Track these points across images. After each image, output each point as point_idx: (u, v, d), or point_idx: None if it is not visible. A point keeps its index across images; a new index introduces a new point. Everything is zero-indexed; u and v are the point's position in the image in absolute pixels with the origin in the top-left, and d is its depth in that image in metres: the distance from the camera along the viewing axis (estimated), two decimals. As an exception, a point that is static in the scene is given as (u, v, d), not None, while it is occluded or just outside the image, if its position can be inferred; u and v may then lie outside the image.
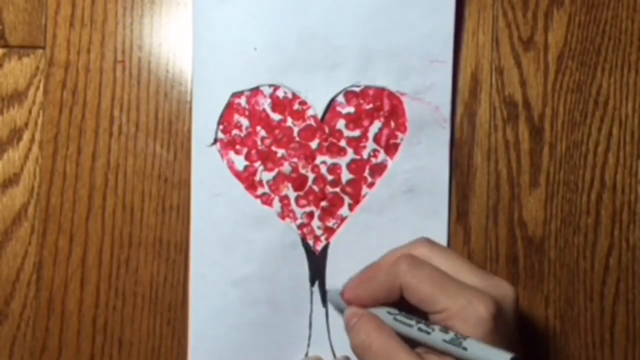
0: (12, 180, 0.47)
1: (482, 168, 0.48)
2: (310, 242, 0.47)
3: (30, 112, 0.47)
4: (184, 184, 0.47)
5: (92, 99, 0.47)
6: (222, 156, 0.47)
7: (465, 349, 0.36)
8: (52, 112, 0.47)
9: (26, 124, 0.47)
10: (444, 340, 0.37)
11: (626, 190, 0.48)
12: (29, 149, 0.47)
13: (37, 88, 0.47)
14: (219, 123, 0.47)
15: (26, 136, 0.47)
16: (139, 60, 0.48)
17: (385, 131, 0.47)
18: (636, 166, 0.48)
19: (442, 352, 0.38)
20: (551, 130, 0.48)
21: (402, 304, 0.40)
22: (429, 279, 0.39)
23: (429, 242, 0.42)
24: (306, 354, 0.47)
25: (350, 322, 0.42)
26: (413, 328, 0.39)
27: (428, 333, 0.38)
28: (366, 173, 0.47)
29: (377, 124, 0.47)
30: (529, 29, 0.48)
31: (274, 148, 0.47)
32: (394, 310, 0.41)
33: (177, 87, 0.48)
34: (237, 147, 0.47)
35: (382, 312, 0.41)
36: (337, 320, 0.47)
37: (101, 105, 0.47)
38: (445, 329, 0.37)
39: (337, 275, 0.47)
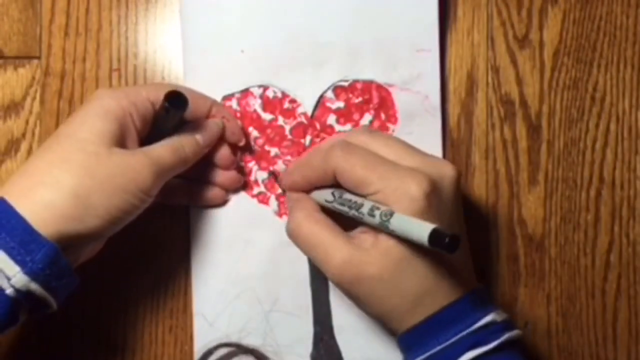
0: (10, 191, 0.47)
1: (480, 167, 0.48)
2: None
3: (27, 122, 0.47)
4: (183, 191, 0.47)
5: (89, 107, 0.47)
6: None
7: (392, 230, 0.36)
8: (49, 122, 0.47)
9: (23, 135, 0.47)
10: (375, 224, 0.37)
11: (625, 186, 0.48)
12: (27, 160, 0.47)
13: (34, 98, 0.47)
14: None
15: (24, 147, 0.47)
16: (134, 68, 0.48)
17: (376, 123, 0.47)
18: (634, 162, 0.48)
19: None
20: (548, 127, 0.48)
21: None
22: (362, 163, 0.39)
23: (369, 130, 0.43)
24: (311, 353, 0.47)
25: (288, 207, 0.44)
26: (349, 212, 0.39)
27: (361, 218, 0.38)
28: None
29: (367, 117, 0.47)
30: (524, 27, 0.48)
31: (267, 147, 0.47)
32: (338, 192, 0.41)
33: (174, 93, 0.48)
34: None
35: (327, 194, 0.41)
36: (341, 317, 0.47)
37: (98, 114, 0.47)
38: (372, 211, 0.37)
39: None
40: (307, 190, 0.43)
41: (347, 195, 0.40)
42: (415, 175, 0.38)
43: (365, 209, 0.38)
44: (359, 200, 0.39)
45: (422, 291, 0.38)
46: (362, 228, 0.40)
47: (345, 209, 0.39)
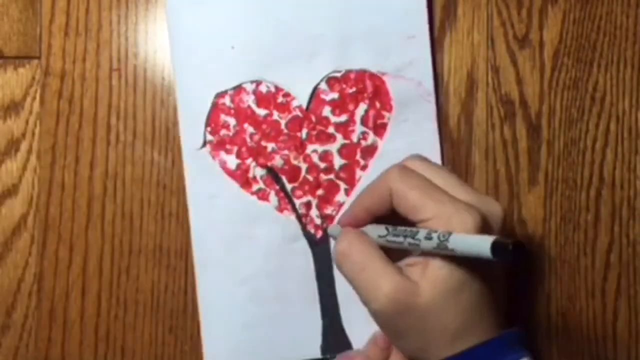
0: (10, 191, 0.47)
1: (481, 167, 0.48)
2: (312, 231, 0.47)
3: (27, 122, 0.47)
4: (183, 191, 0.47)
5: (89, 107, 0.47)
6: (213, 157, 0.47)
7: (452, 249, 0.36)
8: (49, 122, 0.47)
9: (23, 135, 0.47)
10: (433, 247, 0.37)
11: (625, 186, 0.48)
12: (27, 160, 0.47)
13: (34, 98, 0.47)
14: (206, 125, 0.47)
15: (24, 147, 0.47)
16: (134, 68, 0.48)
17: (372, 112, 0.47)
18: (634, 162, 0.48)
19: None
20: (548, 127, 0.48)
21: (393, 220, 0.40)
22: (419, 187, 0.39)
23: (423, 158, 0.42)
24: (321, 345, 0.47)
25: (338, 237, 0.42)
26: (404, 242, 0.39)
27: (417, 244, 0.38)
28: (358, 156, 0.48)
29: (362, 107, 0.47)
30: (524, 26, 0.48)
31: (263, 143, 0.47)
32: (390, 227, 0.40)
33: (174, 94, 0.48)
34: (227, 146, 0.47)
35: (380, 228, 0.41)
36: (349, 308, 0.47)
37: (98, 113, 0.48)
38: (429, 234, 0.37)
39: None
40: (365, 223, 0.42)
41: (401, 227, 0.40)
42: (469, 209, 0.38)
43: (421, 234, 0.38)
44: (413, 228, 0.39)
45: (463, 326, 0.38)
46: (408, 260, 0.40)
47: (400, 239, 0.39)
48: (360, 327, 0.47)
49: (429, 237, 0.37)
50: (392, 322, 0.39)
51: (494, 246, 0.34)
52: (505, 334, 0.39)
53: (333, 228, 0.45)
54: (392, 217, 0.41)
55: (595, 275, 0.48)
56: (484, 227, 0.37)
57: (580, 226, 0.48)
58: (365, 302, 0.39)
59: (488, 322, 0.39)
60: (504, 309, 0.41)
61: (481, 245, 0.34)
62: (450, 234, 0.36)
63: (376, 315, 0.39)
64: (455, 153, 0.48)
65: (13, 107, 0.47)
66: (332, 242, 0.47)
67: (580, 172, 0.48)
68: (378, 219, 0.42)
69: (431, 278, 0.38)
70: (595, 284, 0.48)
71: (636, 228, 0.48)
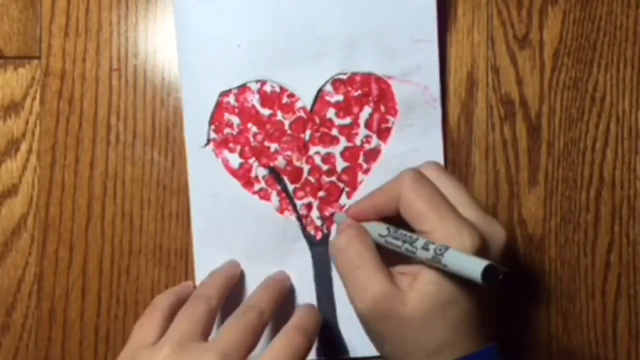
0: (10, 191, 0.47)
1: (481, 167, 0.48)
2: (312, 233, 0.47)
3: (27, 122, 0.47)
4: (183, 191, 0.47)
5: (89, 107, 0.47)
6: (216, 156, 0.47)
7: (445, 265, 0.36)
8: (49, 122, 0.47)
9: (23, 135, 0.47)
10: (427, 258, 0.37)
11: (625, 186, 0.48)
12: (27, 160, 0.47)
13: (34, 98, 0.47)
14: (210, 123, 0.47)
15: (24, 147, 0.47)
16: (134, 68, 0.48)
17: (376, 116, 0.47)
18: (634, 162, 0.48)
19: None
20: (548, 127, 0.48)
21: (399, 222, 0.40)
22: (426, 197, 0.39)
23: (440, 166, 0.42)
24: (317, 346, 0.47)
25: (340, 227, 0.42)
26: (402, 246, 0.39)
27: (414, 252, 0.38)
28: (360, 160, 0.48)
29: (367, 110, 0.47)
30: (524, 27, 0.48)
31: (266, 143, 0.47)
32: (392, 228, 0.40)
33: (174, 94, 0.48)
34: (231, 145, 0.47)
35: (381, 228, 0.41)
36: (345, 309, 0.46)
37: (98, 114, 0.47)
38: (427, 245, 0.37)
39: None
40: (370, 219, 0.42)
41: (402, 230, 0.40)
42: (471, 230, 0.38)
43: (419, 243, 0.38)
44: (414, 235, 0.39)
45: (445, 342, 0.38)
46: (401, 268, 0.40)
47: (399, 242, 0.39)
48: (356, 330, 0.47)
49: (425, 248, 0.37)
50: (374, 325, 0.39)
51: (486, 271, 0.34)
52: (484, 350, 0.39)
53: (339, 216, 0.45)
54: (398, 219, 0.41)
55: (595, 275, 0.48)
56: (482, 251, 0.38)
57: (580, 226, 0.48)
58: (352, 301, 0.40)
59: (473, 338, 0.39)
60: (493, 324, 0.41)
61: (474, 268, 0.35)
62: (447, 249, 0.36)
63: (360, 316, 0.40)
64: (455, 153, 0.48)
65: (13, 107, 0.47)
66: (332, 237, 0.47)
67: (580, 172, 0.48)
68: (385, 219, 0.42)
69: (419, 290, 0.38)
70: (595, 284, 0.48)
71: (636, 228, 0.48)
